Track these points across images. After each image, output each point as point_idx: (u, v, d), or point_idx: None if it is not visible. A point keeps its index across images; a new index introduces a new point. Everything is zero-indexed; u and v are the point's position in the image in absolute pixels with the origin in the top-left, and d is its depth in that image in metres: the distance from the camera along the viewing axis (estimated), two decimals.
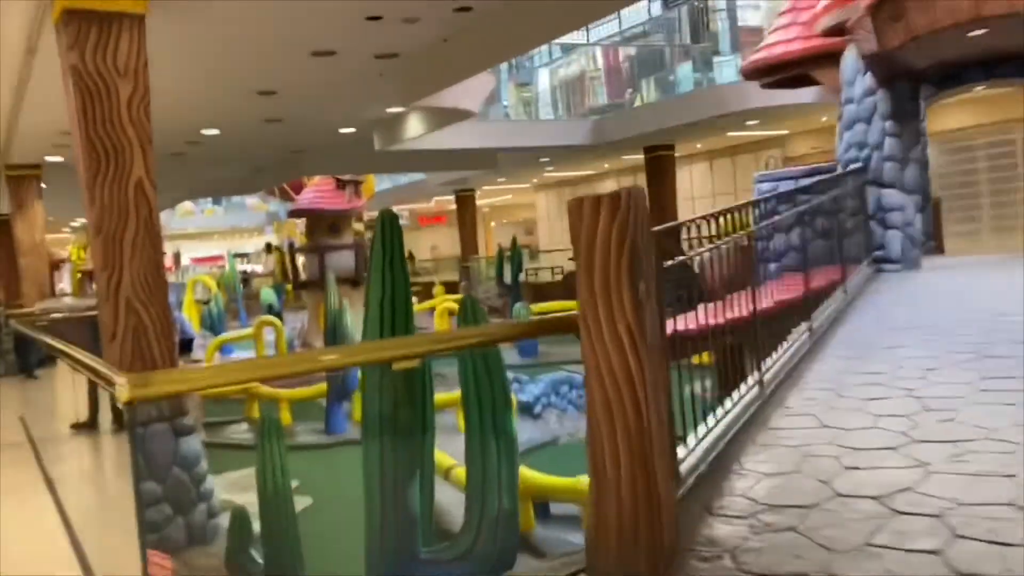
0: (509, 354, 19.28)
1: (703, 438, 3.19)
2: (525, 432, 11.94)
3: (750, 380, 3.95)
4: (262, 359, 2.09)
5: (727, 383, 10.04)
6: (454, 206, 30.81)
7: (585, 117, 19.40)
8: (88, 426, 7.63)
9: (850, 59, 7.66)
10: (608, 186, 29.62)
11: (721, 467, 3.20)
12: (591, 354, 2.53)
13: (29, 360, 10.33)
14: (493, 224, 44.20)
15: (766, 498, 2.90)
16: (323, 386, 13.37)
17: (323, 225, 17.81)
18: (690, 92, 16.63)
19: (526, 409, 12.84)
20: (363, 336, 3.80)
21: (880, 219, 7.48)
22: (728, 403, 3.59)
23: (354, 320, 14.11)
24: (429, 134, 13.28)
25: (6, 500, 5.04)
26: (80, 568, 4.08)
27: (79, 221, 28.84)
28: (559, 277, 26.32)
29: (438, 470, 9.04)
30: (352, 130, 13.94)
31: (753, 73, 8.68)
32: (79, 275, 27.89)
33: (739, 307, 8.09)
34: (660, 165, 20.40)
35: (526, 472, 7.61)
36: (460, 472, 7.91)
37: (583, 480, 7.61)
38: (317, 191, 18.02)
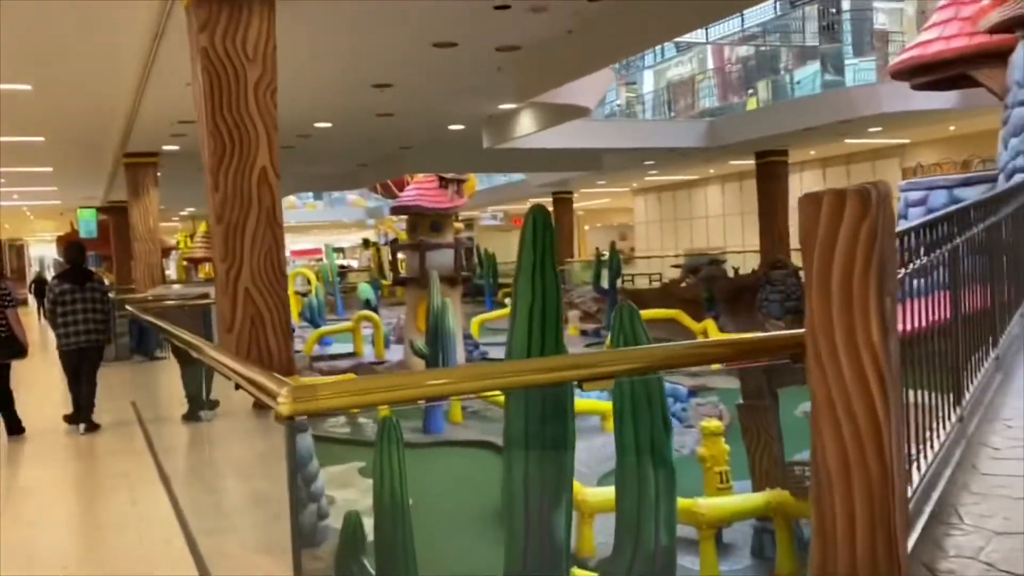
0: None
1: (919, 485, 2.70)
2: None
3: (951, 416, 3.42)
4: (444, 371, 1.78)
5: None
6: (549, 208, 30.46)
7: (698, 118, 18.76)
8: (192, 417, 7.56)
9: (1022, 58, 6.94)
10: (712, 192, 28.81)
11: (937, 519, 2.71)
12: (822, 387, 2.09)
13: (150, 343, 10.35)
14: (587, 228, 43.72)
15: (1008, 564, 2.40)
16: None
17: (425, 223, 17.68)
18: (816, 94, 15.80)
19: None
20: (509, 346, 3.43)
21: None
22: (935, 442, 3.08)
23: (455, 319, 13.90)
24: (538, 133, 12.95)
25: (119, 493, 4.90)
26: (196, 570, 3.87)
27: (188, 210, 29.71)
28: (657, 284, 25.68)
29: None
30: (461, 127, 13.73)
31: (903, 73, 8.01)
32: (185, 263, 28.76)
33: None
34: (772, 171, 19.59)
35: None
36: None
37: (699, 502, 7.13)
38: (420, 188, 17.92)
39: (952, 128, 18.29)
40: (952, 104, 12.63)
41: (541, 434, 3.29)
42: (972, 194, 7.55)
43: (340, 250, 45.48)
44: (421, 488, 8.88)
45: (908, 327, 3.97)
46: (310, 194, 39.11)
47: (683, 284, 20.87)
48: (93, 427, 7.41)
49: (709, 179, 27.75)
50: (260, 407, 5.73)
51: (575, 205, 30.74)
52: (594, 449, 11.54)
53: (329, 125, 12.89)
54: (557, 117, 11.79)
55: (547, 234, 3.43)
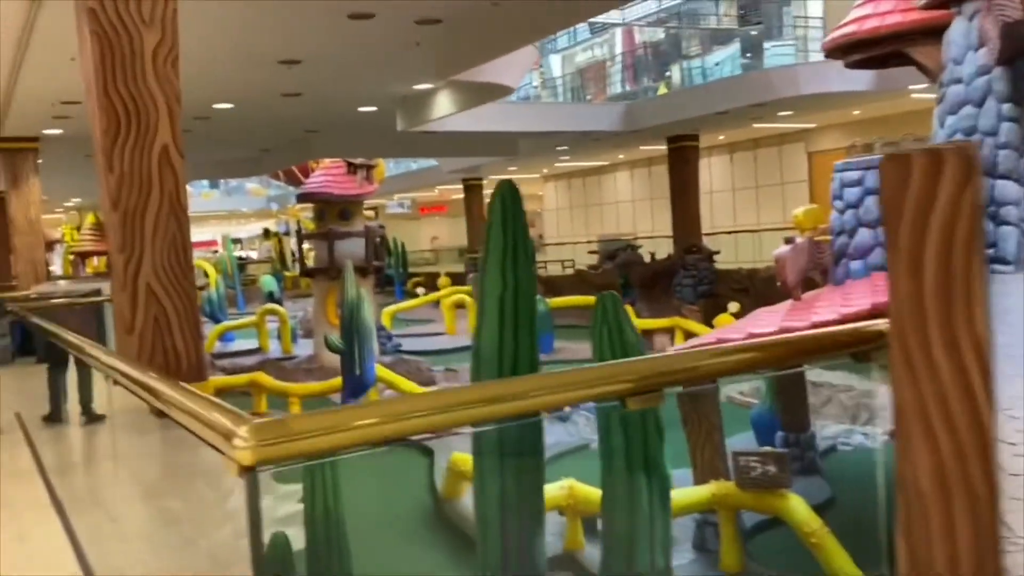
0: None
1: None
2: (552, 435, 11.14)
3: None
4: (443, 392, 1.34)
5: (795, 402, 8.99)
6: (456, 196, 29.85)
7: (616, 102, 18.58)
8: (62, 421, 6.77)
9: (958, 34, 6.82)
10: (622, 178, 28.84)
11: None
12: (912, 390, 1.69)
13: (34, 344, 9.26)
14: None
15: None
16: (337, 381, 12.57)
17: (333, 210, 16.92)
18: (735, 76, 15.71)
19: (553, 410, 12.07)
20: (476, 346, 2.95)
21: (991, 214, 6.65)
22: None
23: (371, 311, 13.26)
24: (455, 115, 12.41)
25: (3, 527, 4.18)
26: None
27: (73, 201, 27.87)
28: (570, 271, 25.49)
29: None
30: (372, 109, 13.08)
31: (837, 50, 7.83)
32: (71, 257, 26.93)
33: (827, 308, 7.24)
34: (683, 156, 19.58)
35: (578, 486, 6.87)
36: None
37: None
38: (327, 174, 17.12)
39: (857, 112, 18.66)
40: (866, 86, 12.75)
41: (518, 440, 2.83)
42: None
43: (238, 241, 43.74)
44: (347, 496, 8.30)
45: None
46: (205, 182, 37.35)
47: (600, 270, 20.74)
48: None
49: (618, 165, 27.75)
50: (163, 414, 5.06)
51: (484, 192, 30.32)
52: None
53: (230, 106, 12.05)
54: (478, 97, 11.29)
55: (518, 213, 2.96)
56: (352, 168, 17.12)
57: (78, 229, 27.77)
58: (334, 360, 14.08)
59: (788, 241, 7.52)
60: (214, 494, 5.65)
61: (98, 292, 10.85)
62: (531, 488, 2.89)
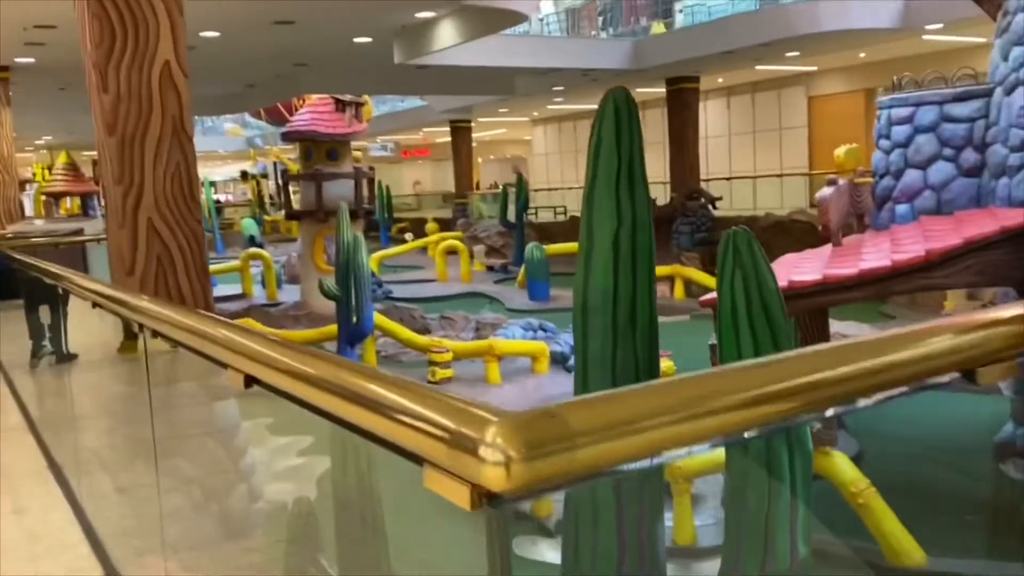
0: (517, 296, 17.98)
1: None
2: (560, 386, 10.77)
3: None
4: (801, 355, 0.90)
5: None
6: (440, 139, 28.96)
7: (623, 38, 17.78)
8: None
9: None
10: None
11: None
12: None
13: (12, 286, 8.55)
14: (480, 160, 42.48)
15: None
16: (332, 328, 12.03)
17: (321, 150, 16.18)
18: (752, 12, 14.90)
19: (560, 360, 11.67)
20: (583, 293, 2.42)
21: None
22: None
23: (367, 256, 12.66)
24: (454, 48, 11.66)
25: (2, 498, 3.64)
26: None
27: (44, 139, 26.73)
28: (562, 217, 24.93)
29: None
30: (367, 40, 12.29)
31: None
32: (43, 197, 25.92)
33: (875, 253, 6.76)
34: (683, 99, 18.95)
35: None
36: None
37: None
38: (314, 112, 16.33)
39: (863, 55, 18.07)
40: (889, 24, 12.16)
41: None
42: (965, 111, 6.96)
43: (213, 184, 42.63)
44: (343, 445, 7.80)
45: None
46: None
47: None
48: None
49: None
50: (120, 349, 4.51)
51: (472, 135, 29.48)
52: (527, 393, 10.77)
53: (217, 35, 11.21)
54: (486, 26, 10.53)
55: (634, 127, 2.41)
56: (340, 105, 16.32)
57: (50, 169, 26.70)
58: (323, 306, 13.53)
59: (831, 183, 7.02)
60: (225, 452, 5.14)
61: (80, 232, 10.17)
62: (652, 469, 2.38)
